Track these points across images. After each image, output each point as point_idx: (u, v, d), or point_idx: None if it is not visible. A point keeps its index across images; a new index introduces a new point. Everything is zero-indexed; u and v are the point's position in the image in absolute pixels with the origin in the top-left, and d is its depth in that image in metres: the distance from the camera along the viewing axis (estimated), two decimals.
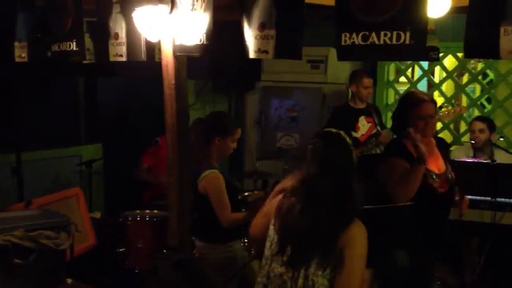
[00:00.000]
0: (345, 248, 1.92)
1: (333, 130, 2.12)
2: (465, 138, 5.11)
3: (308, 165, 2.05)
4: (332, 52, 5.26)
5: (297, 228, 1.99)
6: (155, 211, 3.95)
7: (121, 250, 3.80)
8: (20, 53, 3.43)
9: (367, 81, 4.87)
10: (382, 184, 2.88)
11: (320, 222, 1.95)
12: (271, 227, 2.11)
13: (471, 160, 4.10)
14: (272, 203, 2.19)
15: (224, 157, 3.28)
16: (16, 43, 3.46)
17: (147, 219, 3.80)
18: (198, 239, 3.20)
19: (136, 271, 3.65)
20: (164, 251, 2.81)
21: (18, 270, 2.32)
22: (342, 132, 2.10)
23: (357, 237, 1.95)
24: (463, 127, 5.79)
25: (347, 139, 2.08)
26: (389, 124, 5.74)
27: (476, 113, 5.66)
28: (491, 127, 4.38)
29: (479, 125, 4.36)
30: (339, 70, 5.34)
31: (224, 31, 2.53)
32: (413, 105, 2.87)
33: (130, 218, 3.80)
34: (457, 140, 5.37)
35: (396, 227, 2.80)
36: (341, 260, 1.92)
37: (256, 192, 4.06)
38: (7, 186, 4.25)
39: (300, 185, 2.06)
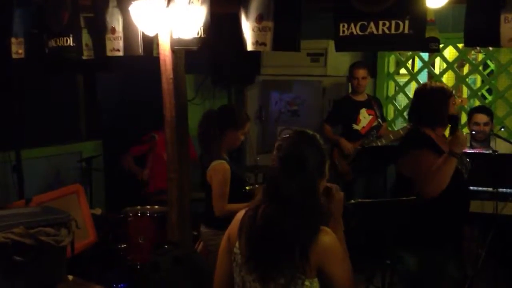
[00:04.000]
0: (325, 262, 1.78)
1: (308, 130, 1.96)
2: (467, 129, 5.10)
3: (272, 164, 1.89)
4: (332, 45, 5.20)
5: (261, 235, 1.82)
6: (156, 207, 3.95)
7: (122, 246, 3.79)
8: (17, 49, 3.42)
9: (357, 72, 4.84)
10: (406, 177, 2.83)
11: (283, 225, 1.78)
12: (237, 250, 1.92)
13: (472, 151, 4.07)
14: (232, 223, 2.01)
15: (233, 148, 3.34)
16: (13, 39, 3.44)
17: (148, 214, 3.80)
18: (204, 226, 3.27)
19: (138, 266, 3.65)
20: (165, 246, 2.80)
21: (19, 268, 2.31)
22: (316, 134, 1.94)
23: (332, 246, 1.80)
24: (464, 118, 5.76)
25: (320, 140, 1.91)
26: (390, 116, 5.73)
27: (477, 104, 5.63)
28: (492, 118, 4.36)
29: (483, 118, 4.31)
30: (339, 63, 5.31)
31: (222, 24, 2.51)
32: (449, 97, 2.90)
33: (131, 214, 3.80)
34: None
35: (402, 221, 2.78)
36: (325, 274, 1.79)
37: (257, 186, 4.04)
38: (7, 183, 4.25)
39: (263, 186, 1.91)
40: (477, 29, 1.71)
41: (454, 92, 5.43)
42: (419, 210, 2.72)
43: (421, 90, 3.03)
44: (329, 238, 1.80)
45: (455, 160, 2.67)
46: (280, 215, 1.80)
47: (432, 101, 2.89)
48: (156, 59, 2.85)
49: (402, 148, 3.01)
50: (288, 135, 1.92)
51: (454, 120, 2.80)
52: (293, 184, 1.80)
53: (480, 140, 4.32)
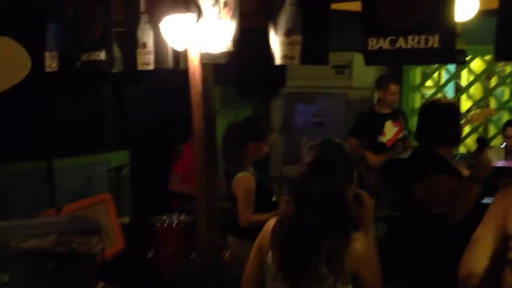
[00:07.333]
0: (361, 268, 1.80)
1: (335, 140, 2.04)
2: (495, 142, 5.03)
3: (300, 171, 1.97)
4: (357, 57, 5.24)
5: (292, 243, 1.85)
6: (182, 216, 4.00)
7: (149, 254, 3.84)
8: (51, 63, 3.51)
9: (394, 88, 4.85)
10: (420, 202, 2.72)
11: (313, 231, 1.81)
12: (270, 260, 1.92)
13: (502, 165, 4.03)
14: (262, 233, 2.03)
15: (257, 159, 3.37)
16: (47, 53, 3.54)
17: (175, 224, 3.85)
18: (231, 236, 3.32)
19: (165, 275, 3.69)
20: (192, 255, 2.84)
21: (51, 275, 2.36)
22: (343, 143, 2.02)
23: (367, 253, 1.82)
24: (492, 130, 5.68)
25: (347, 148, 1.99)
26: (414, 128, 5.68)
27: (505, 116, 5.55)
28: None
29: (511, 131, 4.28)
30: (364, 75, 5.31)
31: (250, 37, 2.55)
32: (457, 113, 2.85)
33: (158, 223, 3.85)
34: None
35: (429, 236, 2.72)
36: (360, 280, 1.82)
37: (283, 197, 4.06)
38: (38, 192, 4.34)
39: (292, 191, 1.97)
40: (507, 44, 1.70)
41: (482, 104, 5.40)
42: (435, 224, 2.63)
43: (428, 108, 2.90)
44: (363, 245, 1.83)
45: (479, 185, 2.51)
46: (309, 221, 1.83)
47: (440, 119, 2.77)
48: (182, 72, 2.91)
49: (416, 171, 2.81)
50: (316, 144, 1.98)
51: (482, 143, 2.61)
52: (321, 189, 1.84)
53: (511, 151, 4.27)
